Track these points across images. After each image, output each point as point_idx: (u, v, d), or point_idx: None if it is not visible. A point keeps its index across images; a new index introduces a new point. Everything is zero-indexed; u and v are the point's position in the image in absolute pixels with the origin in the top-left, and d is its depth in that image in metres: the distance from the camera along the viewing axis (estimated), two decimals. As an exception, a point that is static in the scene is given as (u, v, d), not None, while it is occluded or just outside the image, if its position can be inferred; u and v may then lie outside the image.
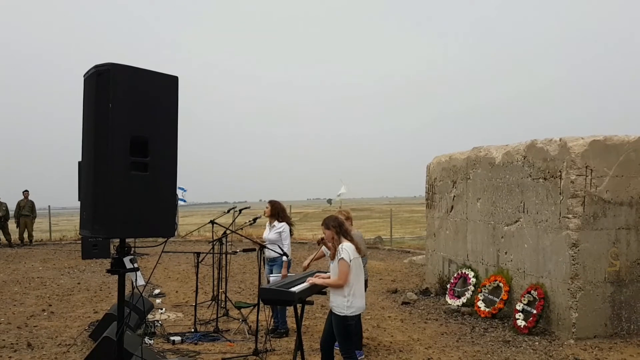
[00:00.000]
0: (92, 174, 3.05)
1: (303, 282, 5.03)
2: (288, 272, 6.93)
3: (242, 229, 7.71)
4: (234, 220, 8.14)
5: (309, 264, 6.00)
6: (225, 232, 7.59)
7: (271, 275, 6.89)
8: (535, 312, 7.03)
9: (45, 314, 8.36)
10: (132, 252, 3.40)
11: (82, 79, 3.24)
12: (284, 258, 6.73)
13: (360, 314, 5.16)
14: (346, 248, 4.74)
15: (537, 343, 6.66)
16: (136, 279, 3.46)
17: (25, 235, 19.00)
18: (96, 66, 3.02)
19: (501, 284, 7.92)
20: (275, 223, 7.06)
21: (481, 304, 8.06)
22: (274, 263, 7.04)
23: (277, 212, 7.11)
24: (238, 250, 8.42)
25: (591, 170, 6.76)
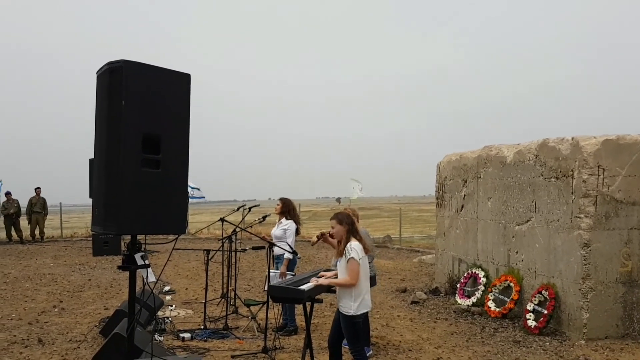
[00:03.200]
0: (104, 170, 3.06)
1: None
2: (294, 269, 6.94)
3: (251, 226, 7.73)
4: (243, 218, 8.15)
5: (316, 241, 5.83)
6: (234, 230, 7.60)
7: (272, 271, 6.90)
8: (546, 312, 6.98)
9: (56, 310, 8.41)
10: (142, 249, 3.41)
11: (91, 78, 3.25)
12: (286, 255, 6.73)
13: (367, 312, 5.14)
14: (355, 247, 4.71)
15: (547, 343, 6.62)
16: (147, 276, 3.47)
17: (37, 231, 19.14)
18: (109, 63, 3.03)
19: (512, 284, 7.88)
20: (283, 220, 7.11)
21: (491, 304, 8.02)
22: (279, 260, 7.06)
23: (287, 209, 7.16)
24: (248, 248, 8.43)
25: (603, 169, 6.71)
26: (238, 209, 9.04)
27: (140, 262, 3.28)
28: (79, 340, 6.63)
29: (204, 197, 20.05)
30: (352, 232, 4.82)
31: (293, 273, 6.75)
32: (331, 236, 5.15)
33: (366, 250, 4.83)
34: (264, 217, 7.76)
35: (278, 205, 7.25)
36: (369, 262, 5.48)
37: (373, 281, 6.27)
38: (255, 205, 8.77)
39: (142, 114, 3.04)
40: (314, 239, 5.75)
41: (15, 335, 6.87)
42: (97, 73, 3.21)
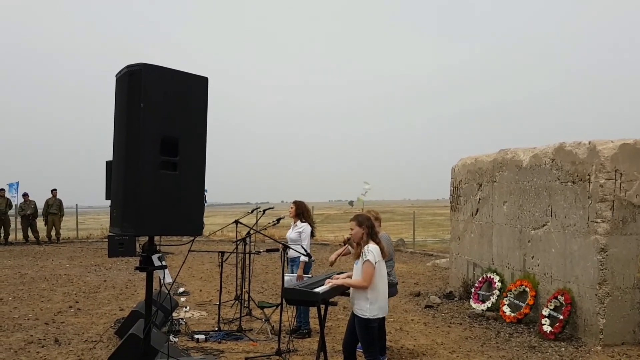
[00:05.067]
0: (122, 172, 3.09)
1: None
2: (309, 272, 6.95)
3: (265, 229, 7.75)
4: (257, 221, 8.18)
5: (335, 259, 5.88)
6: (249, 232, 7.63)
7: (287, 274, 6.89)
8: (561, 317, 6.92)
9: (72, 310, 8.50)
10: (158, 250, 3.44)
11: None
12: (302, 258, 6.74)
13: (383, 317, 5.12)
14: (372, 250, 4.69)
15: (563, 349, 6.56)
16: (164, 277, 3.49)
17: (53, 232, 19.37)
18: (128, 66, 3.07)
19: (527, 289, 7.82)
20: (298, 223, 7.11)
21: (506, 309, 7.97)
22: (294, 263, 7.08)
23: (302, 212, 7.17)
24: (262, 251, 8.45)
25: (621, 174, 6.64)
26: (252, 212, 9.08)
27: (157, 263, 3.31)
28: (95, 341, 6.68)
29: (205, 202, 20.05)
30: (371, 234, 4.80)
31: (309, 275, 6.76)
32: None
33: (384, 254, 4.81)
34: (278, 220, 7.78)
35: (292, 208, 7.27)
36: (390, 270, 5.49)
37: (395, 289, 6.22)
38: (270, 208, 8.79)
39: (161, 116, 3.07)
40: (332, 258, 5.75)
41: (32, 335, 6.95)
42: (116, 76, 3.25)
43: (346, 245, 5.63)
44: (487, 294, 8.71)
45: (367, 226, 4.80)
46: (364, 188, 22.01)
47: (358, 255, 4.74)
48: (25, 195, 19.12)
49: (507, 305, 8.01)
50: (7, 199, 18.94)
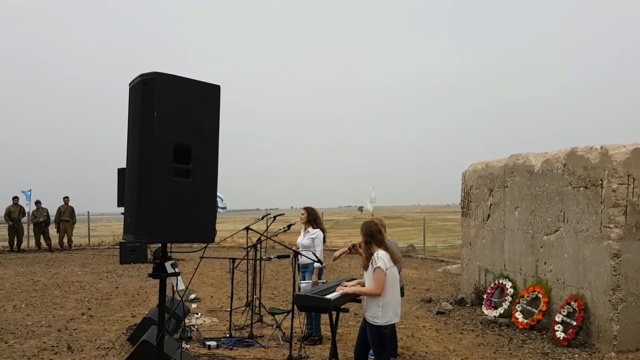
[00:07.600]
0: (136, 180, 3.11)
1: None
2: (320, 278, 6.94)
3: (276, 235, 7.77)
4: (267, 227, 8.21)
5: (339, 256, 5.88)
6: (259, 239, 7.64)
7: (302, 282, 6.91)
8: (575, 323, 6.87)
9: (84, 317, 8.54)
10: (170, 257, 3.46)
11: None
12: (316, 265, 6.75)
13: (394, 323, 5.11)
14: (381, 257, 4.68)
15: (576, 355, 6.50)
16: (177, 284, 3.51)
17: (65, 240, 19.52)
18: (141, 75, 3.10)
19: (540, 295, 7.77)
20: (310, 229, 7.12)
21: (519, 315, 7.91)
22: (306, 269, 7.07)
23: (313, 218, 7.18)
24: (273, 257, 8.47)
25: (633, 179, 6.59)
26: (263, 218, 9.09)
27: (170, 270, 3.33)
28: (107, 347, 6.71)
29: (224, 208, 20.19)
30: (376, 241, 4.79)
31: (324, 281, 6.76)
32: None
33: (394, 260, 4.80)
34: (289, 226, 7.79)
35: (303, 214, 7.27)
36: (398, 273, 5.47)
37: (401, 292, 6.24)
38: (280, 214, 8.82)
39: (174, 124, 3.09)
40: (337, 254, 5.76)
41: (45, 342, 6.99)
42: (129, 85, 3.28)
43: (351, 252, 5.63)
44: (500, 300, 8.66)
45: (364, 234, 4.81)
46: (371, 196, 22.18)
47: (368, 265, 4.73)
48: (37, 202, 19.29)
49: (520, 311, 7.96)
50: (21, 206, 19.12)
